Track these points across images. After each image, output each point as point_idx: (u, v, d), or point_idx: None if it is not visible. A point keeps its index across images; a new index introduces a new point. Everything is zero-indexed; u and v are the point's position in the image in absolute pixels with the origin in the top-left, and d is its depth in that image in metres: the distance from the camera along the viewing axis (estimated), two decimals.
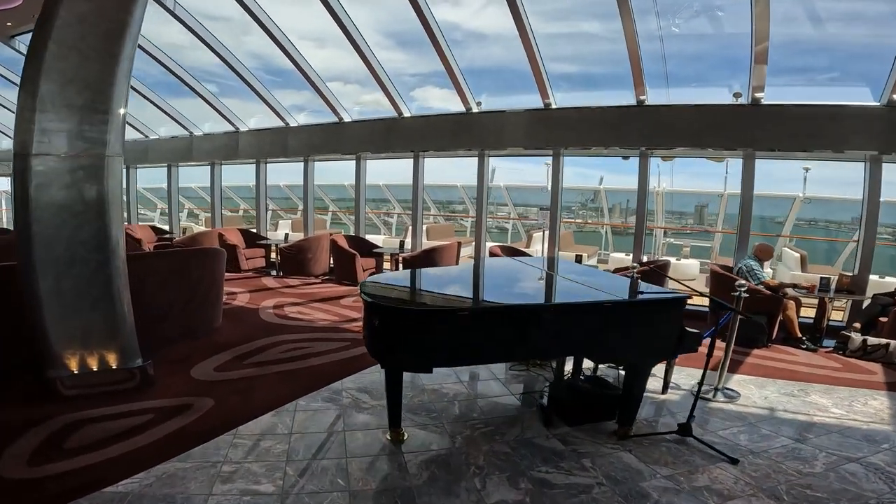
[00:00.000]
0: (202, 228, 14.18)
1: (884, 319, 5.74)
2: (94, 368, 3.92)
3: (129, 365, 4.02)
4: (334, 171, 14.86)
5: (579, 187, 15.74)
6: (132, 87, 10.42)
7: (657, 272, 6.62)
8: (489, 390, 4.34)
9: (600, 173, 14.84)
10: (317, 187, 11.93)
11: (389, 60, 8.54)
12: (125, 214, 13.15)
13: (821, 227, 14.17)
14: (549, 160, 8.33)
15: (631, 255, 8.65)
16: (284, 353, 5.09)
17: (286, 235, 10.91)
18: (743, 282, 4.28)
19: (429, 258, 8.44)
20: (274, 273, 9.79)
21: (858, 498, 2.91)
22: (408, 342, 3.18)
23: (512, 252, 8.10)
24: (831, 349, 5.71)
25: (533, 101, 7.95)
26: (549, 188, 8.32)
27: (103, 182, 3.82)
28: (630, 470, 3.13)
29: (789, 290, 6.12)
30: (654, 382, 4.11)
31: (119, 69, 3.80)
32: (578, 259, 6.95)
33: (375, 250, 9.35)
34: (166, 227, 12.84)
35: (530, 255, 8.36)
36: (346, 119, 9.77)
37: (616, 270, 6.67)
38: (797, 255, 8.76)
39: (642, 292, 3.61)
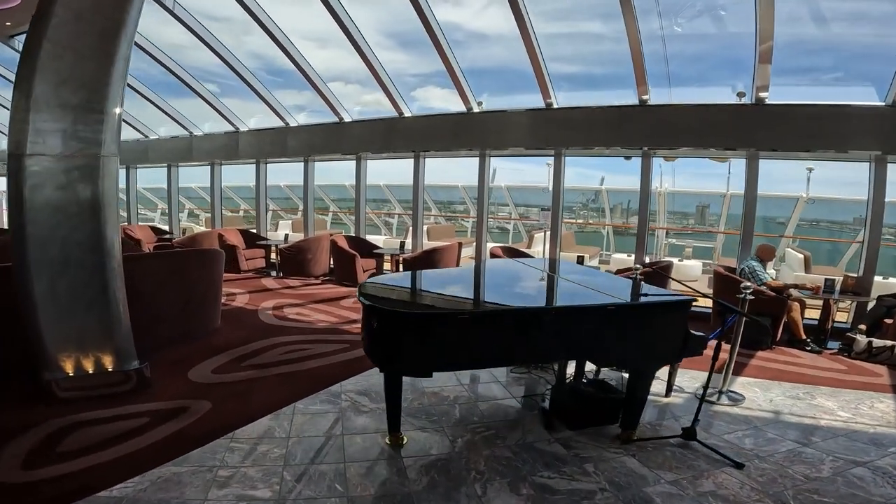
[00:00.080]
0: (202, 229, 14.16)
1: (889, 321, 5.67)
2: (90, 371, 3.87)
3: (126, 367, 3.97)
4: (335, 172, 14.85)
5: (580, 187, 15.69)
6: (132, 88, 10.45)
7: (660, 273, 6.57)
8: (490, 393, 4.29)
9: (601, 173, 14.82)
10: (317, 187, 11.91)
11: (390, 61, 8.52)
12: (125, 214, 13.16)
13: (823, 228, 14.11)
14: (551, 160, 8.28)
15: (632, 255, 8.60)
16: (283, 354, 5.04)
17: (286, 236, 10.87)
18: (748, 283, 4.23)
19: (429, 259, 8.39)
20: (274, 274, 9.75)
21: (867, 503, 2.85)
22: (407, 346, 3.12)
23: (513, 253, 8.05)
24: (836, 351, 5.65)
25: (534, 100, 7.91)
26: (551, 188, 8.27)
27: (98, 182, 3.77)
28: (633, 475, 3.07)
29: (793, 292, 6.07)
30: (657, 385, 4.06)
31: (115, 68, 3.75)
32: (580, 260, 6.90)
33: (376, 251, 9.31)
34: (166, 228, 12.80)
35: (532, 256, 8.31)
36: (347, 119, 9.73)
37: (618, 271, 6.61)
38: (801, 256, 8.70)
39: (646, 294, 3.55)
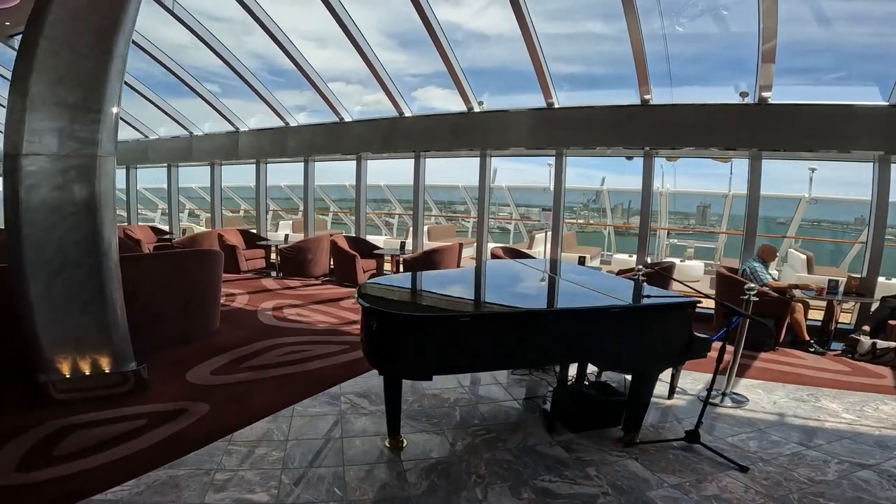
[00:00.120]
0: (203, 229, 14.14)
1: (893, 322, 5.63)
2: (87, 372, 3.83)
3: (123, 369, 3.94)
4: (335, 172, 14.85)
5: (581, 188, 15.68)
6: (132, 88, 10.43)
7: (662, 274, 6.52)
8: (491, 395, 4.25)
9: (601, 174, 14.82)
10: (318, 188, 11.88)
11: (391, 61, 8.50)
12: (125, 214, 13.13)
13: (824, 228, 14.07)
14: (552, 160, 8.24)
15: (634, 256, 8.56)
16: (283, 356, 5.00)
17: (286, 236, 10.84)
18: (753, 285, 4.18)
19: (430, 259, 8.35)
20: (273, 274, 9.72)
21: None
22: (407, 349, 3.08)
23: (514, 253, 8.00)
24: (839, 352, 5.61)
25: (535, 100, 7.87)
26: (552, 188, 8.23)
27: (95, 183, 3.72)
28: (636, 478, 3.03)
29: (797, 292, 6.03)
30: (660, 387, 4.01)
31: (112, 67, 3.72)
32: (581, 260, 6.87)
33: (376, 251, 9.27)
34: (167, 228, 12.78)
35: (533, 257, 8.25)
36: (347, 119, 9.70)
37: (620, 272, 6.58)
38: (803, 256, 8.64)
39: (649, 296, 3.50)
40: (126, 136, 12.81)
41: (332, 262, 9.61)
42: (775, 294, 5.83)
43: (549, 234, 8.05)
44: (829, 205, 12.38)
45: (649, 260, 7.92)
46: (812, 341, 5.75)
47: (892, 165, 6.30)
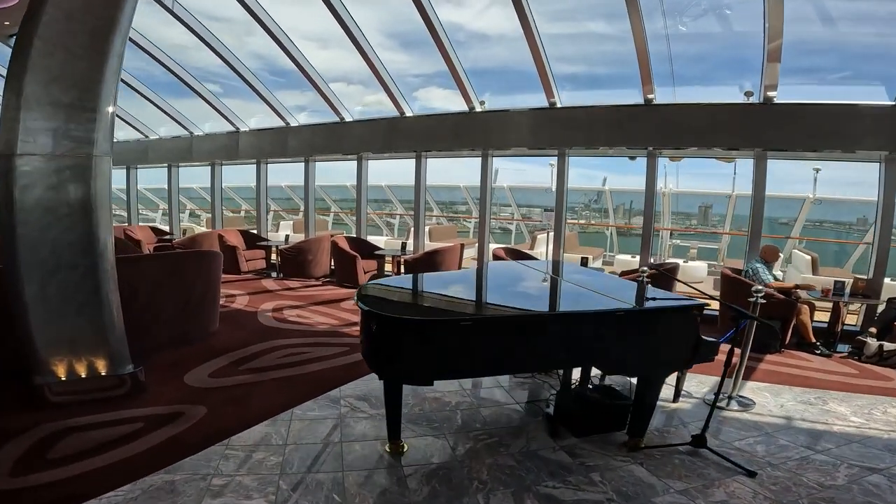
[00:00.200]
0: (203, 229, 14.10)
1: None
2: (83, 375, 3.78)
3: (119, 371, 3.88)
4: (336, 172, 14.79)
5: (582, 188, 15.61)
6: (133, 88, 10.40)
7: (666, 275, 6.45)
8: (493, 399, 4.18)
9: (602, 174, 14.75)
10: (318, 188, 11.83)
11: (392, 61, 8.47)
12: (125, 214, 13.10)
13: (827, 229, 14.00)
14: (553, 160, 8.18)
15: (636, 256, 8.49)
16: (282, 358, 4.95)
17: (287, 237, 10.79)
18: (761, 287, 4.12)
19: (431, 260, 8.29)
20: (274, 275, 9.67)
21: None
22: (407, 353, 3.01)
23: (516, 254, 7.93)
24: (846, 354, 5.54)
25: (537, 100, 7.81)
26: (554, 189, 8.16)
27: (90, 183, 3.67)
28: (641, 484, 2.97)
29: (802, 293, 5.96)
30: (665, 390, 3.92)
31: (107, 66, 3.66)
32: (584, 262, 6.81)
33: (377, 252, 9.21)
34: (168, 228, 12.74)
35: (535, 258, 8.19)
36: (348, 119, 9.65)
37: (623, 273, 6.51)
38: (808, 257, 8.57)
39: (654, 298, 3.43)
40: (126, 136, 12.79)
41: (332, 263, 9.57)
42: (781, 296, 5.76)
43: (551, 234, 7.98)
44: (831, 205, 12.29)
45: (653, 261, 7.85)
46: (818, 343, 5.68)
47: None
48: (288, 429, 3.52)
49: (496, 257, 7.81)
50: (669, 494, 2.87)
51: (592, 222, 16.34)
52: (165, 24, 8.42)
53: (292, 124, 10.32)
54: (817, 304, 6.10)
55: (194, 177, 13.90)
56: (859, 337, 5.58)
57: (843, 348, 5.67)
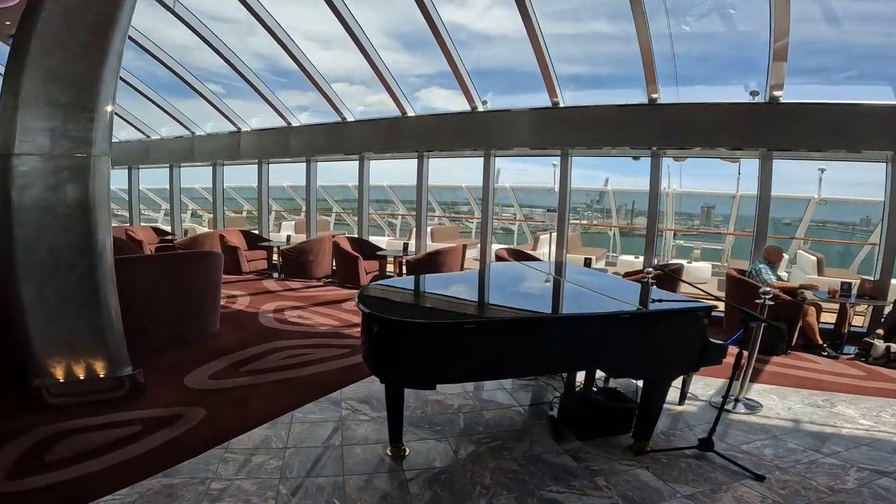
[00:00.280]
0: (205, 229, 14.07)
1: None
2: (81, 377, 3.74)
3: (118, 373, 3.84)
4: (338, 172, 14.77)
5: (584, 188, 15.55)
6: (135, 88, 10.37)
7: (671, 276, 6.39)
8: (495, 401, 4.13)
9: (605, 174, 14.70)
10: (320, 188, 11.79)
11: (394, 62, 8.44)
12: (127, 215, 13.08)
13: (830, 229, 13.92)
14: (555, 160, 8.13)
15: (640, 257, 8.43)
16: (283, 360, 4.90)
17: (288, 237, 10.76)
18: (768, 288, 4.06)
19: (433, 261, 8.24)
20: (275, 275, 9.63)
21: None
22: (408, 356, 2.96)
23: (519, 255, 7.88)
24: (853, 356, 5.49)
25: (540, 100, 7.76)
26: (557, 189, 8.11)
27: (89, 183, 3.63)
28: (648, 489, 2.91)
29: (807, 293, 5.90)
30: (671, 392, 3.88)
31: (106, 65, 3.62)
32: (587, 262, 6.75)
33: (379, 252, 9.16)
34: (169, 228, 12.71)
35: (538, 259, 8.14)
36: (350, 119, 9.61)
37: (626, 274, 6.45)
38: (813, 258, 8.50)
39: (661, 300, 3.38)
40: (128, 136, 12.77)
41: (334, 264, 9.53)
42: (787, 297, 5.70)
43: (554, 235, 7.92)
44: (835, 205, 12.22)
45: (657, 262, 7.79)
46: (825, 345, 5.62)
47: None
48: (288, 432, 3.47)
49: (499, 258, 7.75)
50: (676, 499, 2.82)
51: (595, 223, 16.28)
52: (167, 25, 8.41)
53: (294, 124, 10.29)
54: (823, 305, 6.04)
55: (196, 177, 13.88)
56: (866, 338, 5.53)
57: (850, 350, 5.61)
